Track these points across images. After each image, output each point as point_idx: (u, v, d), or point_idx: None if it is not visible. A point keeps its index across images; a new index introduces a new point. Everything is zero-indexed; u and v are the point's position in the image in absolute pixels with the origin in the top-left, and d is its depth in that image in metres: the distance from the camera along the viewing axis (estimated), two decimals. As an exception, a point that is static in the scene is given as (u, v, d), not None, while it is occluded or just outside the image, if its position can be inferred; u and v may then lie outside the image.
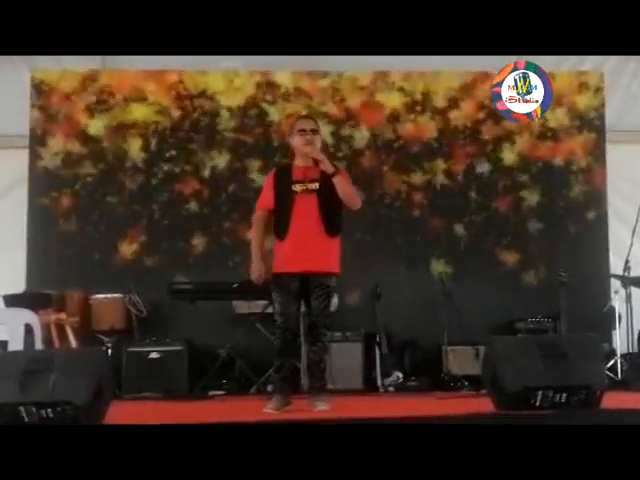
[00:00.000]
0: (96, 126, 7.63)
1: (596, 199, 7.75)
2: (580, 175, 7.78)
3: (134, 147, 7.65)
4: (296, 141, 4.92)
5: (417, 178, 7.72)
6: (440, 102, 7.75)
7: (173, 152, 7.66)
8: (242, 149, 7.67)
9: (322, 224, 4.79)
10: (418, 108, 7.75)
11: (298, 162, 4.95)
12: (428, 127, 7.76)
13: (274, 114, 7.68)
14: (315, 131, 4.93)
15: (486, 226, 7.71)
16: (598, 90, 7.77)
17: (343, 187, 4.82)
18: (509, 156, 7.77)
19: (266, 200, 4.96)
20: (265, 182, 5.07)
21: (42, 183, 7.58)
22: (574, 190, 7.76)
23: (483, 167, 7.77)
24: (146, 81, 7.67)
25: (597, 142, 7.79)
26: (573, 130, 7.79)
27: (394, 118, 7.74)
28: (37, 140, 7.59)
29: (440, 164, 7.73)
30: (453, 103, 7.76)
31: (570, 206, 7.75)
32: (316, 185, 4.83)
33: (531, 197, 7.75)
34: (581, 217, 7.73)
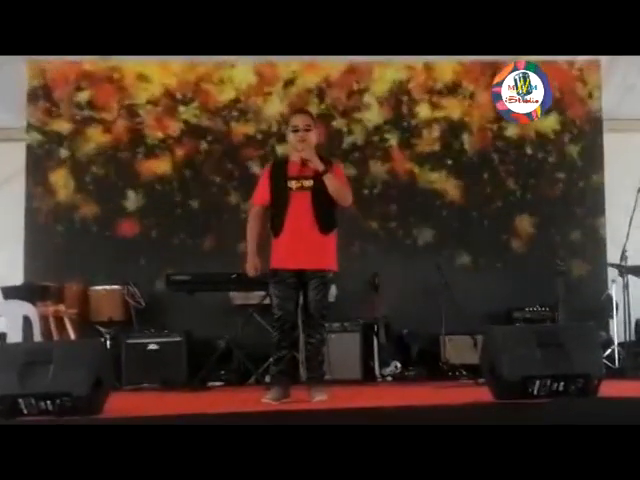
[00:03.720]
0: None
1: (593, 188, 7.75)
2: (577, 164, 7.79)
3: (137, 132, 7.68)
4: (289, 138, 4.93)
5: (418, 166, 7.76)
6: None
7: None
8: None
9: (316, 221, 4.81)
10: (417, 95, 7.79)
11: (293, 157, 4.94)
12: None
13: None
14: (309, 127, 4.90)
15: (484, 216, 7.73)
16: (595, 79, 7.79)
17: (332, 184, 4.81)
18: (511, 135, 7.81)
19: (262, 196, 4.97)
20: (261, 177, 5.07)
21: (40, 175, 7.58)
22: (571, 179, 7.77)
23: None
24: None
25: (594, 130, 7.79)
26: (569, 120, 7.81)
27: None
28: (35, 132, 7.59)
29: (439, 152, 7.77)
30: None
31: (567, 195, 7.76)
32: (310, 182, 4.83)
33: (528, 187, 7.77)
34: (578, 206, 7.74)
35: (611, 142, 7.77)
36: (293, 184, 4.85)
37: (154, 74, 7.67)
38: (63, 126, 7.61)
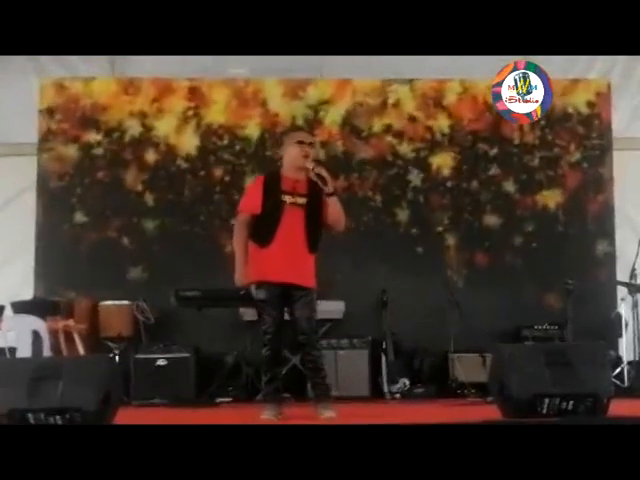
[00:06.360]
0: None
1: (603, 206, 7.75)
2: (588, 182, 7.79)
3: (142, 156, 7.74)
4: (293, 152, 4.85)
5: (422, 181, 7.78)
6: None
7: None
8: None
9: (306, 239, 4.78)
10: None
11: (287, 173, 4.88)
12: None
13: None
14: (312, 144, 4.92)
15: (492, 233, 7.73)
16: (604, 98, 7.82)
17: (336, 208, 4.81)
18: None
19: (253, 204, 4.82)
20: (252, 186, 5.00)
21: (50, 190, 7.62)
22: (581, 197, 7.77)
23: (493, 170, 7.82)
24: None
25: (604, 149, 7.80)
26: (580, 138, 7.83)
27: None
28: (45, 147, 7.65)
29: (447, 164, 7.79)
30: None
31: (577, 213, 7.76)
32: (304, 200, 4.81)
33: (539, 204, 7.78)
34: (588, 224, 7.74)
35: (620, 160, 7.78)
36: (287, 198, 4.79)
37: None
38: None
